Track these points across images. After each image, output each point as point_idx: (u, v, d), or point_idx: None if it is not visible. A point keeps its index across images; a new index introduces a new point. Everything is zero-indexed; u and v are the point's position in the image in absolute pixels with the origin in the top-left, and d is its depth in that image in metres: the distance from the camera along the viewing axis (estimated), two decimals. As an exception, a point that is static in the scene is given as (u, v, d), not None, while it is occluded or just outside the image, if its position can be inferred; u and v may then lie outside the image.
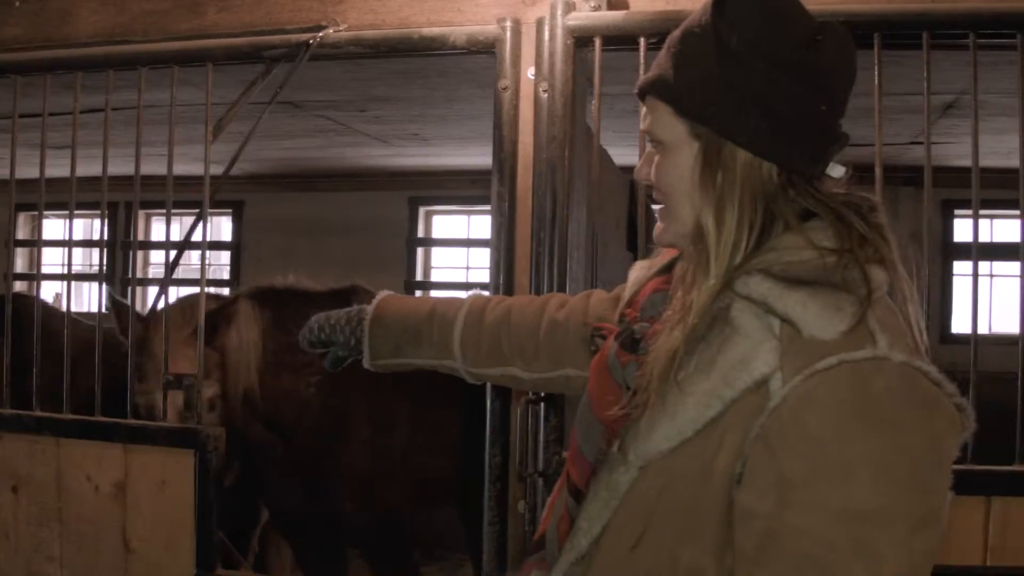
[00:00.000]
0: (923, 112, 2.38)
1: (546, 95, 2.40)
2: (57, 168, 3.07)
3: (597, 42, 2.40)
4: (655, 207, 1.27)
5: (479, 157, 6.15)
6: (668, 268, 1.39)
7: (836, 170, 1.20)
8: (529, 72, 2.45)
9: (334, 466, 3.42)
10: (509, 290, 2.46)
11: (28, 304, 3.13)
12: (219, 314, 3.22)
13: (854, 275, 1.11)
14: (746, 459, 1.09)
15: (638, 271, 1.49)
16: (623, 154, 3.67)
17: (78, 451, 2.89)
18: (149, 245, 7.25)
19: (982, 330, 2.34)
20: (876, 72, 2.27)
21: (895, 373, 1.06)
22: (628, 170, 1.78)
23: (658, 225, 1.27)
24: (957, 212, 6.34)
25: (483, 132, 5.18)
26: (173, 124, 2.82)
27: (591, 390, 1.37)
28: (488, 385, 2.46)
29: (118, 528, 2.86)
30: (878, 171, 2.24)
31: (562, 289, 2.39)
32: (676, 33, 1.21)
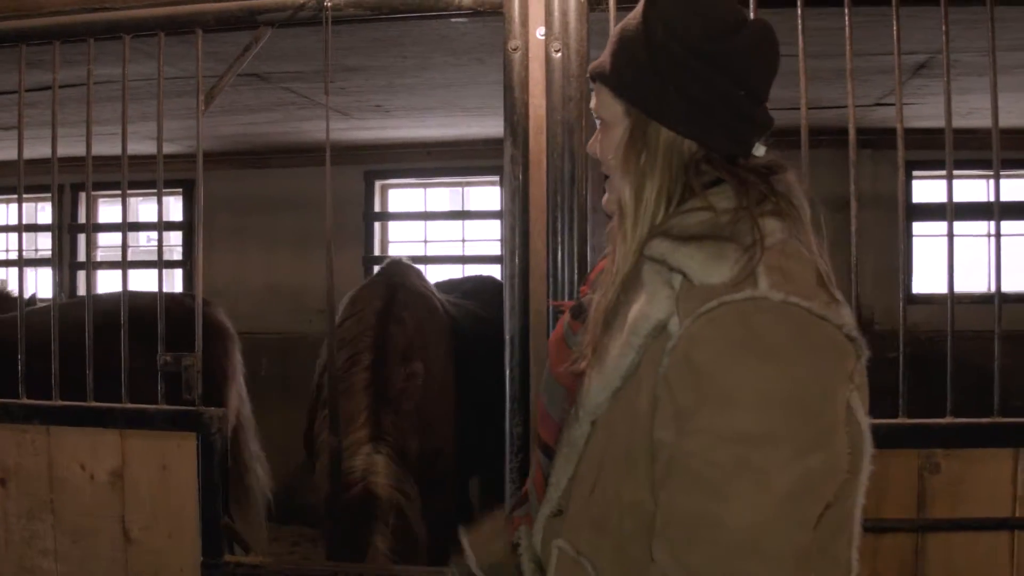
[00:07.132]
0: (891, 73, 2.43)
1: (559, 55, 2.36)
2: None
3: (611, 1, 2.37)
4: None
5: (438, 128, 6.04)
6: None
7: (759, 150, 1.34)
8: (538, 32, 2.39)
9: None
10: (525, 256, 2.41)
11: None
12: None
13: (743, 227, 1.24)
14: (657, 398, 1.22)
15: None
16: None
17: (70, 439, 2.79)
18: (102, 228, 6.95)
19: (944, 290, 2.56)
20: (847, 33, 2.36)
21: (774, 310, 1.17)
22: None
23: (605, 195, 1.43)
24: (915, 173, 6.37)
25: (450, 101, 5.10)
26: (162, 98, 2.71)
27: (551, 357, 1.54)
28: (507, 354, 2.43)
29: (116, 518, 2.77)
30: (851, 131, 2.40)
31: (582, 254, 2.35)
32: (619, 24, 1.37)
